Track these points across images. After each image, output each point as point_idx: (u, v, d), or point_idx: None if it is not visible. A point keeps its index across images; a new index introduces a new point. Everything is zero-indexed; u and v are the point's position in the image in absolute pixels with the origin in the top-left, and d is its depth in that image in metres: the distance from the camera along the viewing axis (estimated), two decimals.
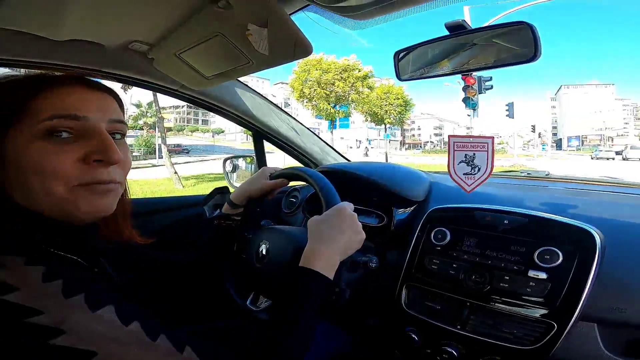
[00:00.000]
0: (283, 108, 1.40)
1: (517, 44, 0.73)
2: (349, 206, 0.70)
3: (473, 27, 0.77)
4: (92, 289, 0.42)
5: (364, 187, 1.01)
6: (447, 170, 0.89)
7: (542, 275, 0.69)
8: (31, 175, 0.45)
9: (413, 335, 0.79)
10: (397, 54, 0.88)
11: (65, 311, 0.39)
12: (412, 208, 0.97)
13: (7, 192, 0.45)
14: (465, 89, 8.68)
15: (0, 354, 0.37)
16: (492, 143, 0.86)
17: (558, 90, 73.09)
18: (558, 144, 66.38)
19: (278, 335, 0.52)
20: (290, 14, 0.75)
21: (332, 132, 22.61)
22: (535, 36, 0.70)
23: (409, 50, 0.87)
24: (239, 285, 0.93)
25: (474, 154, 0.85)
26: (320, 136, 1.50)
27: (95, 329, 0.39)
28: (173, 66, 0.98)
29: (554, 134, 71.13)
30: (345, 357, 0.92)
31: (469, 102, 8.76)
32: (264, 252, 0.77)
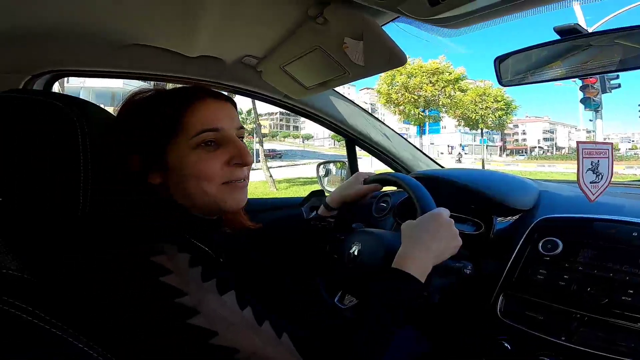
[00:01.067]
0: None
1: None
2: (445, 212, 0.69)
3: (589, 31, 0.70)
4: (221, 275, 0.49)
5: (459, 194, 0.97)
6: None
7: None
8: (190, 179, 0.54)
9: (506, 344, 0.76)
10: (497, 59, 0.86)
11: (202, 294, 0.46)
12: (516, 217, 0.91)
13: (169, 193, 0.55)
14: (584, 88, 7.45)
15: (147, 327, 0.44)
16: (612, 149, 0.81)
17: None
18: None
19: (362, 333, 0.53)
20: (382, 25, 0.78)
21: (421, 137, 21.71)
22: None
23: (510, 54, 0.83)
24: (329, 283, 0.98)
25: (598, 161, 0.78)
26: (410, 142, 1.48)
27: (220, 311, 0.46)
28: (278, 78, 1.09)
29: None
30: None
31: (590, 103, 7.49)
32: (355, 253, 0.79)
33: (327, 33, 0.80)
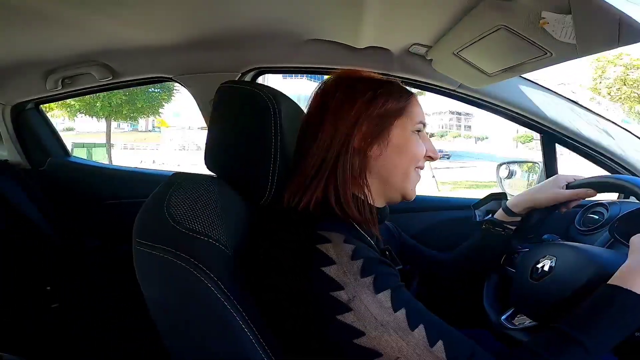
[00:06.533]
0: None
1: None
2: None
3: None
4: (380, 272, 0.47)
5: None
6: None
7: None
8: (403, 157, 0.59)
9: None
10: None
11: (357, 290, 0.45)
12: None
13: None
14: None
15: (298, 313, 0.46)
16: None
17: None
18: None
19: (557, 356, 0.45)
20: None
21: None
22: None
23: None
24: (496, 297, 0.85)
25: None
26: None
27: (372, 311, 0.44)
28: (451, 65, 0.99)
29: None
30: None
31: None
32: (545, 269, 0.68)
33: (515, 9, 0.66)
